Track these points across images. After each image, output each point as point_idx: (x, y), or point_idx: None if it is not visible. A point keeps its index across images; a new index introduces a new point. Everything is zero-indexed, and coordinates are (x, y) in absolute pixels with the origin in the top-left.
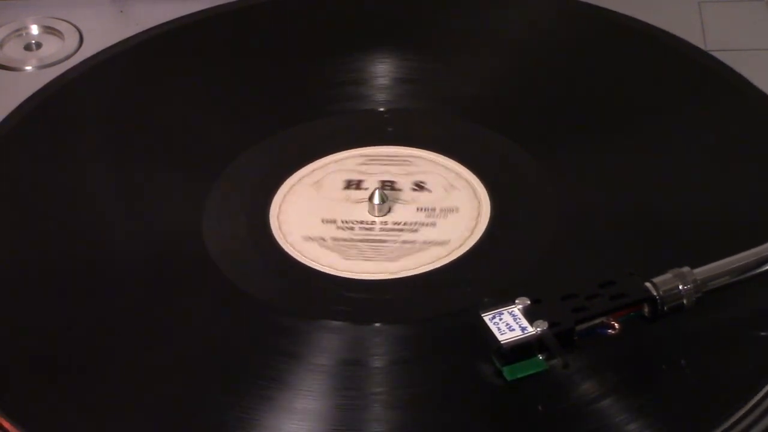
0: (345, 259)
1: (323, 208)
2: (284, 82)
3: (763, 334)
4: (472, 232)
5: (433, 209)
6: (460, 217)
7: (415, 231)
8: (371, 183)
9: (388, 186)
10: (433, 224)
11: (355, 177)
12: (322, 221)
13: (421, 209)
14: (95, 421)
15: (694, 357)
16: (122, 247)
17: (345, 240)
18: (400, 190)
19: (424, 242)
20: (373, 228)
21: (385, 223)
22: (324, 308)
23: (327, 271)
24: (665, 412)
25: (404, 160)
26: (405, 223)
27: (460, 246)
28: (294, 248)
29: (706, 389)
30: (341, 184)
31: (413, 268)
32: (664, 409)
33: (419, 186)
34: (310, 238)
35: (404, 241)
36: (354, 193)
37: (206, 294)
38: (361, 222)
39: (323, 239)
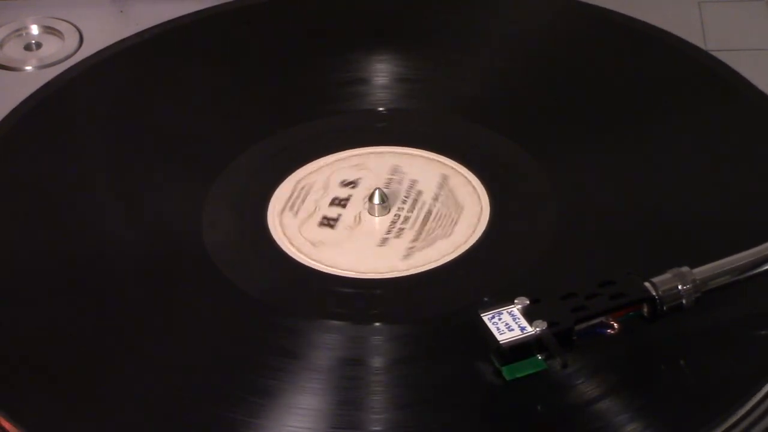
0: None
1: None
2: (284, 82)
3: (763, 333)
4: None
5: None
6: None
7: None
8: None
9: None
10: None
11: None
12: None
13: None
14: (95, 421)
15: (694, 357)
16: (122, 247)
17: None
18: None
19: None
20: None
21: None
22: (324, 308)
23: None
24: (665, 412)
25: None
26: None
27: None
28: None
29: (706, 389)
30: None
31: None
32: (664, 409)
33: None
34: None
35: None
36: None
37: (206, 294)
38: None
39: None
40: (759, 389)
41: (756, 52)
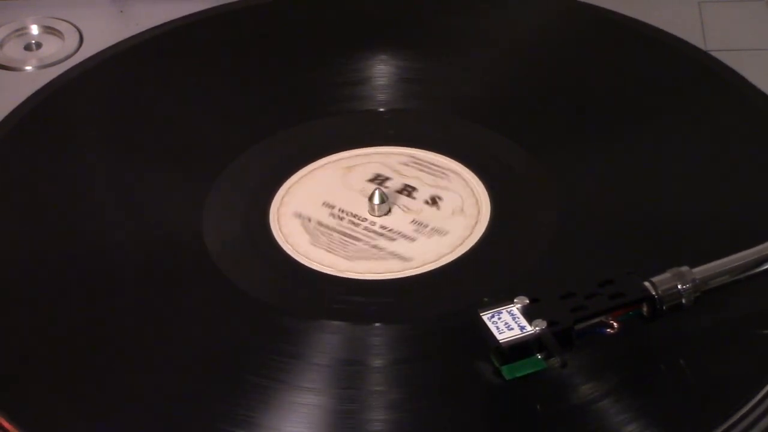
0: (315, 246)
1: (329, 193)
2: (284, 82)
3: (763, 333)
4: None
5: (426, 225)
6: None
7: (392, 240)
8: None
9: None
10: (413, 239)
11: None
12: (322, 204)
13: (414, 222)
14: (95, 421)
15: (694, 357)
16: (122, 247)
17: (326, 227)
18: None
19: (390, 252)
20: (359, 225)
21: (373, 224)
22: (324, 308)
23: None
24: (665, 412)
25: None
26: (390, 230)
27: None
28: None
29: (706, 389)
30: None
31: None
32: (664, 409)
33: (432, 199)
34: (299, 215)
35: (374, 246)
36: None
37: (206, 294)
38: (354, 216)
39: (309, 219)
40: (759, 389)
41: (756, 52)
